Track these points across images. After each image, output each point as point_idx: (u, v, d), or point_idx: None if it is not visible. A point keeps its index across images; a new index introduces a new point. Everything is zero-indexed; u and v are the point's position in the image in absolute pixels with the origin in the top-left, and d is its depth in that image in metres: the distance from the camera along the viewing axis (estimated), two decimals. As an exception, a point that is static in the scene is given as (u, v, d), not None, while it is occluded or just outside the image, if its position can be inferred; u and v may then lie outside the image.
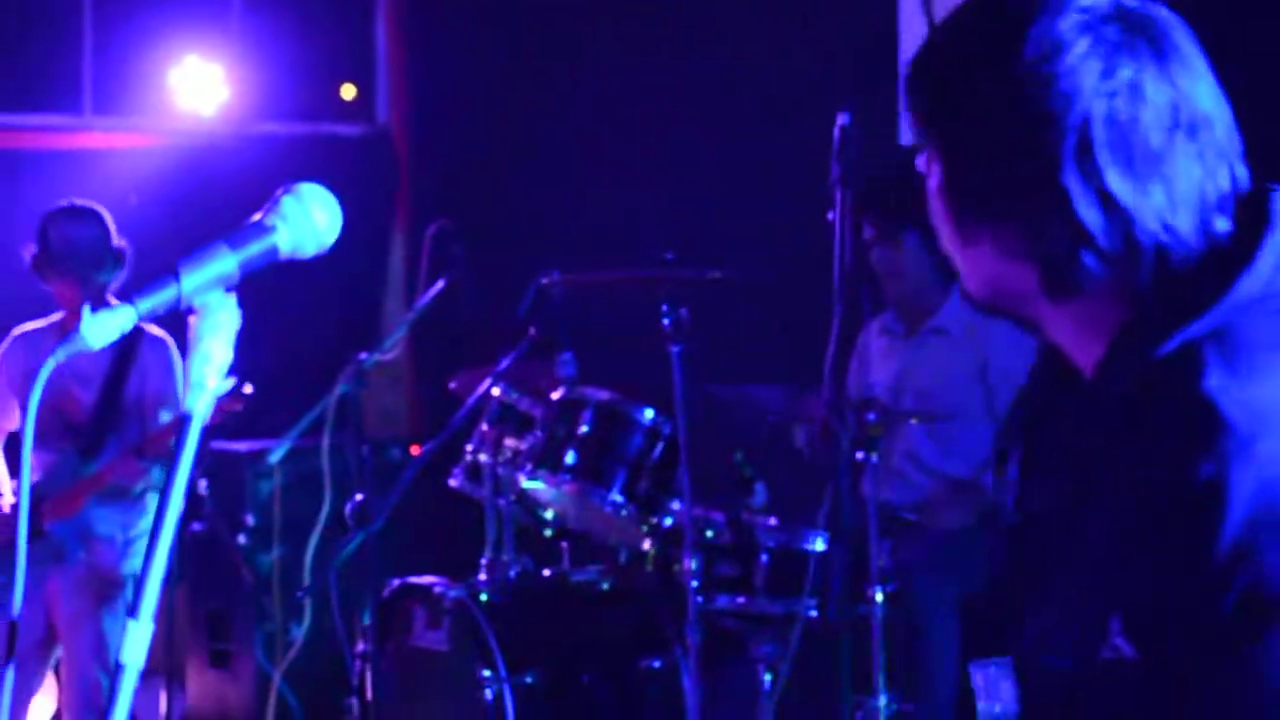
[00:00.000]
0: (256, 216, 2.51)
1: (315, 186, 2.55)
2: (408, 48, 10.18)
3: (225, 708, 8.43)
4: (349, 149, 9.99)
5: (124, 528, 6.58)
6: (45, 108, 9.51)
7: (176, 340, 6.30)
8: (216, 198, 8.87)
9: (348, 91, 10.16)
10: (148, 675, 7.41)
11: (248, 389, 6.12)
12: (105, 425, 6.36)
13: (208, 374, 2.40)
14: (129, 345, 6.42)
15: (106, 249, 6.51)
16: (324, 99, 10.10)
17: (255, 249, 2.48)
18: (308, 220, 2.52)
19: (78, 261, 6.44)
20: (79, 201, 6.68)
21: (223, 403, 6.07)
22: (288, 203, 2.52)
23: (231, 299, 2.44)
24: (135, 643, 2.27)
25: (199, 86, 9.43)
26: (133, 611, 2.30)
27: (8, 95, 9.40)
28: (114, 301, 6.40)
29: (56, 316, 6.64)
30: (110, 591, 6.55)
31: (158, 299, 2.41)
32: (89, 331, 2.37)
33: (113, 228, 6.53)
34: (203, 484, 8.27)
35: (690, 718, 5.68)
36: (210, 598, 8.54)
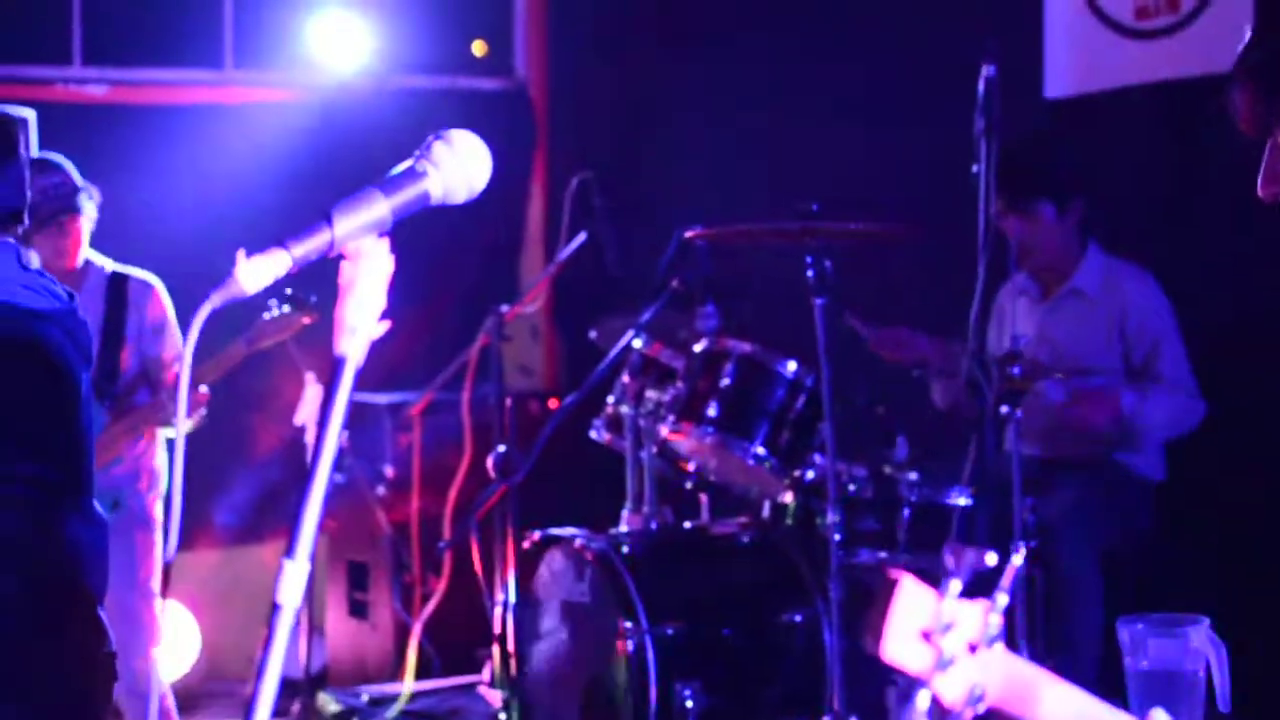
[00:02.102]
0: (408, 163, 2.51)
1: (466, 133, 2.55)
2: (545, 1, 10.17)
3: (364, 657, 8.49)
4: (487, 103, 9.99)
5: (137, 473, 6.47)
6: (187, 62, 9.58)
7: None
8: (354, 152, 8.90)
9: (478, 48, 10.16)
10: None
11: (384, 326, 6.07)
12: (109, 372, 6.26)
13: (361, 318, 2.40)
14: (118, 292, 6.34)
15: (75, 191, 6.29)
16: (463, 53, 10.11)
17: (407, 195, 2.48)
18: (459, 166, 2.52)
19: (51, 207, 6.23)
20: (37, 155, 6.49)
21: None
22: (439, 149, 2.52)
23: (384, 244, 2.45)
24: (291, 583, 2.28)
25: (338, 40, 9.45)
26: (290, 552, 2.31)
27: (150, 50, 9.48)
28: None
29: None
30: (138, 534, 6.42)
31: (310, 243, 2.42)
32: (244, 276, 2.38)
33: (75, 174, 6.33)
34: (344, 435, 8.33)
35: (831, 672, 5.66)
36: (350, 548, 8.60)
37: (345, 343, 2.39)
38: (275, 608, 2.28)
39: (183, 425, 2.45)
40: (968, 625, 2.17)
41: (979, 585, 2.22)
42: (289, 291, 6.17)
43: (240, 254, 2.38)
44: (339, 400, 2.37)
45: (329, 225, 2.42)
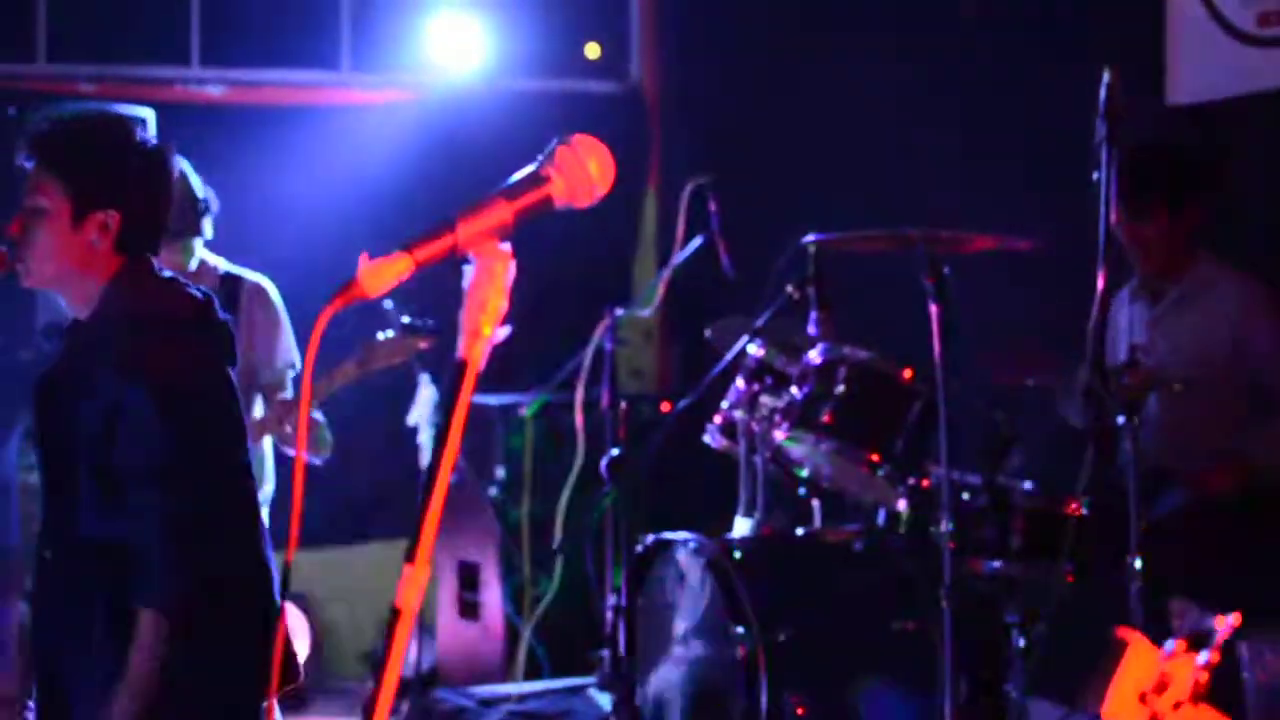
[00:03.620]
0: (531, 167, 2.51)
1: (589, 138, 2.54)
2: (660, 4, 10.16)
3: (474, 658, 8.51)
4: (601, 106, 10.01)
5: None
6: (304, 63, 9.64)
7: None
8: (468, 154, 8.95)
9: (591, 51, 10.17)
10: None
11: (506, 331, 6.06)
12: None
13: (483, 322, 2.40)
14: (230, 293, 6.35)
15: (191, 205, 6.28)
16: (578, 56, 10.12)
17: (530, 199, 2.48)
18: (582, 171, 2.51)
19: None
20: None
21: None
22: (562, 154, 2.51)
23: (507, 249, 2.44)
24: (412, 588, 2.28)
25: (454, 43, 9.50)
26: (410, 556, 2.30)
27: (268, 51, 9.55)
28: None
29: None
30: None
31: (433, 247, 2.42)
32: (366, 278, 2.38)
33: (194, 179, 6.31)
34: (455, 436, 8.35)
35: (943, 681, 5.62)
36: (461, 549, 8.62)
37: (467, 347, 2.39)
38: (394, 612, 2.27)
39: (303, 435, 2.45)
40: (1179, 684, 2.15)
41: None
42: (406, 320, 6.15)
43: (363, 256, 2.38)
44: (460, 404, 2.36)
45: (452, 229, 2.42)
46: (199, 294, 4.08)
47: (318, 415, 6.17)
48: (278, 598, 4.02)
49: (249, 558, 4.02)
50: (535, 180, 2.49)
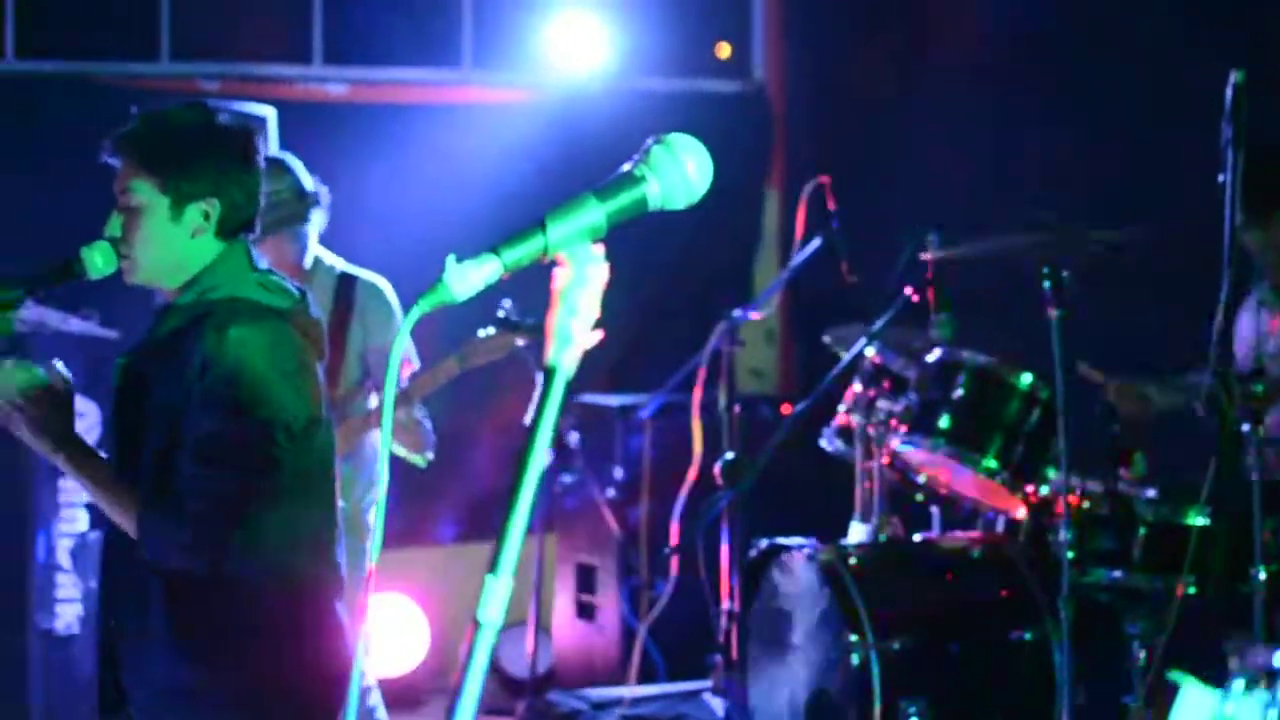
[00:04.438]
0: (626, 167, 2.45)
1: (686, 136, 2.48)
2: (785, 4, 10.09)
3: (590, 658, 8.48)
4: (723, 105, 9.95)
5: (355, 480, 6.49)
6: (426, 62, 9.65)
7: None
8: (590, 153, 8.90)
9: (723, 50, 10.12)
10: (514, 625, 7.48)
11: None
12: (331, 374, 6.21)
13: (574, 327, 2.34)
14: (346, 292, 6.32)
15: (298, 199, 6.25)
16: (699, 55, 10.07)
17: (623, 200, 2.42)
18: (678, 171, 2.45)
19: (271, 217, 6.18)
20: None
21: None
22: (657, 153, 2.45)
23: (599, 251, 2.38)
24: (492, 599, 2.22)
25: (576, 42, 9.48)
26: (492, 567, 2.25)
27: (390, 49, 9.56)
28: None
29: None
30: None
31: (522, 250, 2.37)
32: (453, 281, 2.33)
33: (303, 174, 6.28)
34: (574, 437, 8.32)
35: (1060, 692, 5.53)
36: (578, 550, 8.59)
37: (556, 352, 2.33)
38: (476, 625, 2.21)
39: (388, 423, 2.41)
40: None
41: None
42: (502, 313, 6.13)
43: (451, 259, 2.33)
44: (547, 412, 2.30)
45: (542, 231, 2.36)
46: (294, 288, 4.06)
47: (421, 415, 6.14)
48: (342, 597, 4.04)
49: (307, 550, 4.02)
50: (629, 180, 2.43)
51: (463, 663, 2.22)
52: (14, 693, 7.50)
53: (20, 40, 9.07)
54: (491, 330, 6.13)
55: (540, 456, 2.30)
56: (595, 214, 2.38)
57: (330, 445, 4.09)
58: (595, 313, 2.35)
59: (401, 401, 6.13)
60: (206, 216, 3.96)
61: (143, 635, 3.93)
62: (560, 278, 2.37)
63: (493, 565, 2.24)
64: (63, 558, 7.36)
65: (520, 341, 6.18)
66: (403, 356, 6.23)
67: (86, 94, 8.69)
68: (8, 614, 7.54)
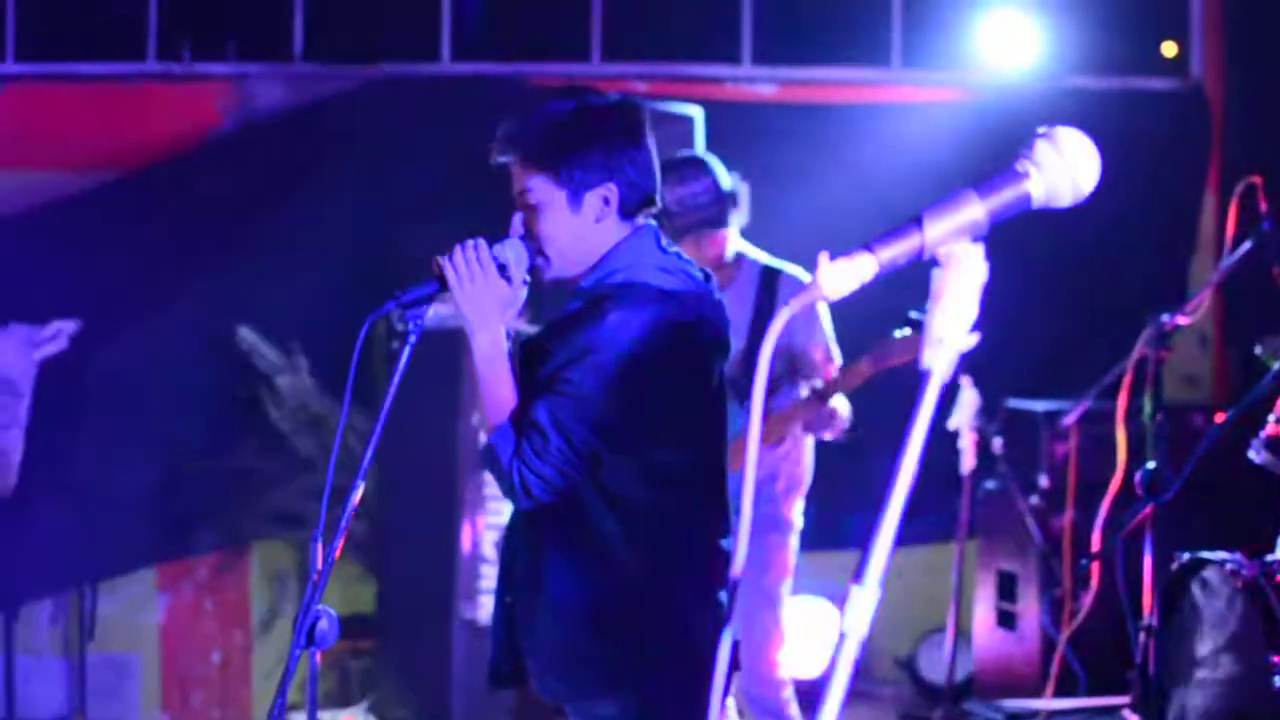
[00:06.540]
0: (1010, 163, 2.36)
1: (1073, 131, 2.38)
2: (1225, 2, 9.78)
3: (1009, 668, 8.32)
4: (1160, 104, 9.69)
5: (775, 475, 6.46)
6: (855, 61, 9.61)
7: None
8: (1019, 152, 8.74)
9: (1169, 49, 9.85)
10: (934, 631, 7.39)
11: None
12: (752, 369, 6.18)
13: (949, 329, 2.25)
14: (769, 285, 6.28)
15: (715, 200, 6.27)
16: (1137, 53, 9.82)
17: (1005, 196, 2.34)
18: (1065, 167, 2.36)
19: (689, 219, 6.22)
20: (684, 154, 6.46)
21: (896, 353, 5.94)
22: (1043, 148, 2.37)
23: (979, 249, 2.30)
24: (857, 610, 2.15)
25: (1007, 39, 9.34)
26: (858, 577, 2.18)
27: (818, 49, 9.55)
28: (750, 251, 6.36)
29: None
30: (770, 537, 6.46)
31: (898, 247, 2.30)
32: (824, 279, 2.27)
33: (722, 174, 6.29)
34: (998, 442, 8.18)
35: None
36: (1000, 557, 8.46)
37: (931, 355, 2.25)
38: (840, 636, 2.15)
39: (754, 430, 2.35)
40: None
41: None
42: (914, 315, 6.04)
43: (823, 256, 2.27)
44: (922, 418, 2.22)
45: (919, 228, 2.29)
46: (698, 271, 4.05)
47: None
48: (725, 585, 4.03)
49: (690, 532, 4.03)
50: (1011, 177, 2.34)
51: (825, 672, 2.16)
52: (437, 682, 7.69)
53: (457, 43, 9.30)
54: (906, 331, 6.06)
55: (913, 464, 2.23)
56: (974, 210, 2.30)
57: (719, 430, 4.07)
58: (973, 314, 2.27)
59: (818, 401, 6.12)
60: (607, 201, 3.97)
61: (537, 607, 4.00)
62: (938, 277, 2.29)
63: (858, 575, 2.17)
64: (487, 549, 7.51)
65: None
66: (827, 355, 6.25)
67: (522, 95, 8.83)
68: (433, 604, 7.72)
